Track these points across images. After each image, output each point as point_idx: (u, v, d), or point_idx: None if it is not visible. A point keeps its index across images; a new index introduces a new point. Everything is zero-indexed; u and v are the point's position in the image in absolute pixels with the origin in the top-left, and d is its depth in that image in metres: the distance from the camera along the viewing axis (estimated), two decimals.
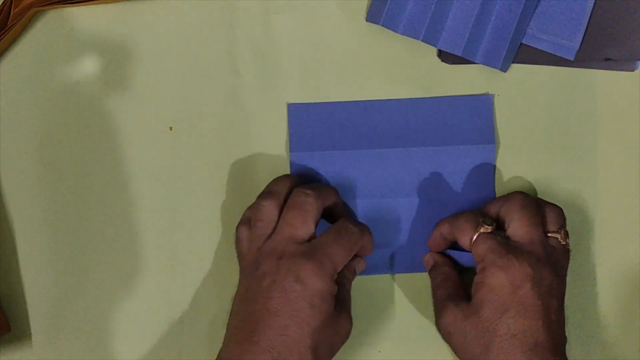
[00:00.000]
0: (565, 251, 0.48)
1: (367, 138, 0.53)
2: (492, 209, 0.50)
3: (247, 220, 0.49)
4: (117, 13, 0.53)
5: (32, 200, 0.53)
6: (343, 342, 0.47)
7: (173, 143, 0.53)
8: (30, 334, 0.53)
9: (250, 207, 0.49)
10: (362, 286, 0.53)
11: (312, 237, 0.46)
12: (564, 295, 0.47)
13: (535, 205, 0.48)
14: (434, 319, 0.53)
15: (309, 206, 0.47)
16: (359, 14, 0.53)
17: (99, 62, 0.53)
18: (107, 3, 0.52)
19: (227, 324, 0.47)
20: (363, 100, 0.53)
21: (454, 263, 0.52)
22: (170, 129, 0.53)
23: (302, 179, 0.52)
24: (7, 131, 0.53)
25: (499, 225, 0.48)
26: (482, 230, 0.47)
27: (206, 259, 0.53)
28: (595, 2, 0.51)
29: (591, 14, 0.51)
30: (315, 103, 0.53)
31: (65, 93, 0.53)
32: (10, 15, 0.50)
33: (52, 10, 0.52)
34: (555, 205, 0.49)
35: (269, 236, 0.47)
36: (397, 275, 0.53)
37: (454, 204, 0.53)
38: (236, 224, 0.50)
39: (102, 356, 0.53)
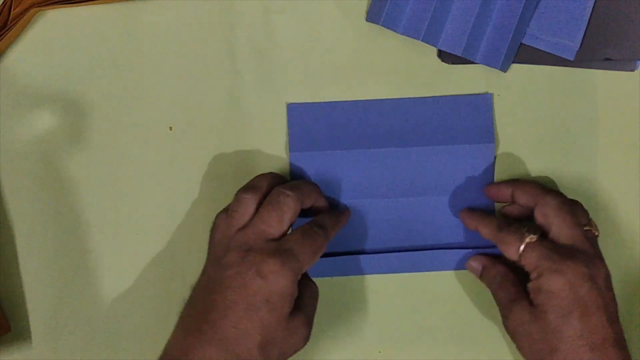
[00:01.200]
0: (596, 241, 0.49)
1: (366, 138, 0.53)
2: (522, 198, 0.50)
3: (227, 210, 0.49)
4: (117, 13, 0.53)
5: (32, 200, 0.53)
6: (297, 349, 0.47)
7: (173, 143, 0.53)
8: (30, 334, 0.53)
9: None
10: (362, 286, 0.53)
11: (282, 236, 0.46)
12: (612, 290, 0.48)
13: (569, 204, 0.49)
14: (434, 319, 0.53)
15: (286, 207, 0.47)
16: (359, 14, 0.53)
17: (98, 62, 0.53)
18: (107, 3, 0.52)
19: (181, 313, 0.47)
20: (363, 100, 0.53)
21: (504, 263, 0.51)
22: (170, 129, 0.53)
23: (285, 179, 0.51)
24: (7, 131, 0.53)
25: (537, 226, 0.48)
26: (527, 240, 0.47)
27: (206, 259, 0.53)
28: (595, 2, 0.51)
29: (591, 14, 0.51)
30: (315, 103, 0.53)
31: (65, 93, 0.53)
32: (10, 15, 0.50)
33: (52, 10, 0.52)
34: (577, 200, 0.50)
35: (242, 228, 0.47)
36: (397, 275, 0.53)
37: (454, 203, 0.53)
38: None
39: (102, 356, 0.53)
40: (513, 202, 0.51)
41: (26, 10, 0.51)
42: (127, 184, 0.53)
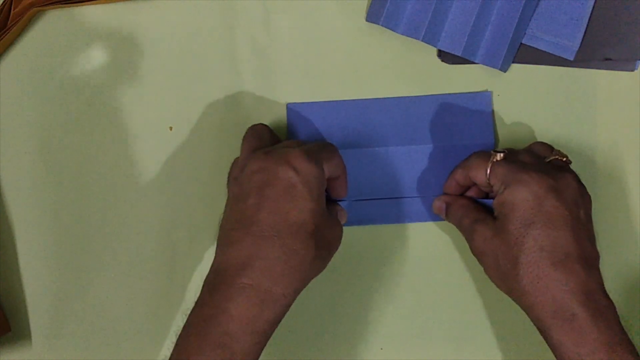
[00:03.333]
0: (568, 166, 0.48)
1: (366, 137, 0.53)
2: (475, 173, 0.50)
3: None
4: (117, 13, 0.53)
5: (32, 200, 0.53)
6: (337, 245, 0.47)
7: (173, 143, 0.53)
8: (30, 334, 0.53)
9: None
10: (363, 285, 0.53)
11: None
12: (590, 210, 0.47)
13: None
14: (435, 315, 0.53)
15: (300, 141, 0.48)
16: (359, 14, 0.53)
17: (98, 62, 0.53)
18: (107, 3, 0.52)
19: (217, 240, 0.46)
20: (362, 99, 0.53)
21: (466, 196, 0.51)
22: (170, 129, 0.53)
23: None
24: (7, 131, 0.53)
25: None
26: (495, 159, 0.47)
27: (206, 259, 0.53)
28: (595, 2, 0.51)
29: (591, 14, 0.51)
30: (314, 102, 0.53)
31: (65, 93, 0.53)
32: (10, 15, 0.50)
33: (52, 10, 0.52)
34: (537, 141, 0.50)
35: (261, 147, 0.47)
36: (399, 274, 0.53)
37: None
38: None
39: (102, 356, 0.53)
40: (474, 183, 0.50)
41: (26, 10, 0.51)
42: (127, 184, 0.53)
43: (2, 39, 0.50)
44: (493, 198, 0.47)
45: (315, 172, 0.44)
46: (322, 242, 0.45)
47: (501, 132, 0.53)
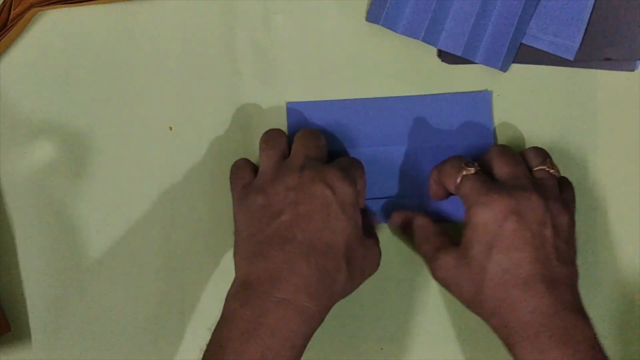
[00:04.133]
0: (554, 179, 0.47)
1: (366, 136, 0.53)
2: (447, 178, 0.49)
3: (244, 158, 0.50)
4: (117, 13, 0.53)
5: (32, 200, 0.53)
6: (373, 271, 0.47)
7: (173, 143, 0.53)
8: (30, 334, 0.53)
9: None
10: (363, 285, 0.53)
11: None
12: (567, 224, 0.46)
13: (514, 151, 0.49)
14: (435, 315, 0.53)
15: (317, 133, 0.48)
16: (359, 14, 0.53)
17: (98, 62, 0.53)
18: (107, 3, 0.52)
19: (238, 252, 0.45)
20: (362, 99, 0.53)
21: (425, 215, 0.51)
22: (170, 129, 0.53)
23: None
24: (7, 131, 0.53)
25: (475, 162, 0.48)
26: (464, 173, 0.47)
27: (206, 259, 0.53)
28: (595, 2, 0.51)
29: (591, 14, 0.51)
30: (314, 102, 0.53)
31: (65, 93, 0.53)
32: (10, 15, 0.50)
33: (52, 10, 0.52)
34: (533, 146, 0.50)
35: (280, 159, 0.47)
36: (399, 274, 0.53)
37: (454, 203, 0.53)
38: None
39: (102, 356, 0.53)
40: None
41: (26, 10, 0.51)
42: (127, 184, 0.53)
43: (2, 39, 0.50)
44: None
45: (351, 192, 0.44)
46: (355, 264, 0.45)
47: (501, 132, 0.53)
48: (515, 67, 0.53)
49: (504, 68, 0.52)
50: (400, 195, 0.53)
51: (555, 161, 0.53)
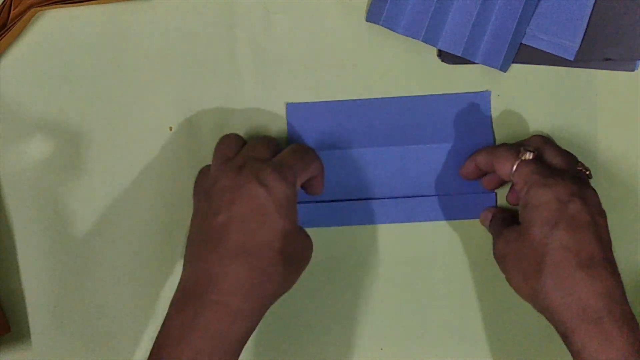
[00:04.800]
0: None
1: (365, 136, 0.53)
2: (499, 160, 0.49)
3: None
4: (117, 13, 0.53)
5: (32, 200, 0.53)
6: (307, 260, 0.46)
7: (173, 143, 0.53)
8: (30, 334, 0.53)
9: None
10: (363, 285, 0.53)
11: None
12: (606, 219, 0.46)
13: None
14: (435, 315, 0.53)
15: (272, 140, 0.48)
16: (359, 14, 0.53)
17: (98, 62, 0.53)
18: (107, 3, 0.52)
19: (185, 255, 0.46)
20: (361, 99, 0.53)
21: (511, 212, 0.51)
22: (170, 129, 0.53)
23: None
24: (7, 131, 0.53)
25: (534, 148, 0.48)
26: (524, 157, 0.47)
27: None
28: (595, 2, 0.51)
29: (591, 14, 0.51)
30: (314, 102, 0.53)
31: (64, 93, 0.53)
32: (10, 15, 0.50)
33: (52, 10, 0.52)
34: (564, 149, 0.50)
35: (230, 159, 0.47)
36: (400, 272, 0.53)
37: (454, 201, 0.53)
38: None
39: (102, 356, 0.53)
40: (494, 172, 0.50)
41: (26, 10, 0.51)
42: (127, 184, 0.53)
43: (2, 39, 0.50)
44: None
45: (286, 190, 0.44)
46: (291, 260, 0.45)
47: (501, 132, 0.53)
48: (515, 67, 0.53)
49: (504, 68, 0.52)
50: (401, 195, 0.53)
51: None
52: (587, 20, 0.51)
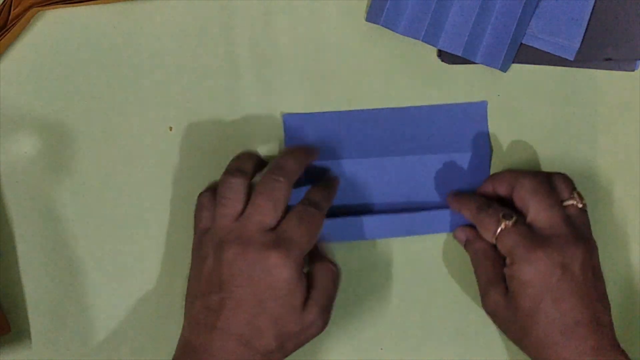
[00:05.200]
0: (584, 212, 0.49)
1: (362, 147, 0.52)
2: (500, 188, 0.50)
3: (211, 190, 0.49)
4: (117, 13, 0.53)
5: (32, 200, 0.53)
6: (313, 336, 0.47)
7: (173, 143, 0.53)
8: (30, 334, 0.53)
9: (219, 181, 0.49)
10: (365, 284, 0.53)
11: (278, 223, 0.46)
12: (598, 262, 0.47)
13: (546, 182, 0.48)
14: (435, 315, 0.53)
15: (279, 193, 0.46)
16: (359, 14, 0.53)
17: (98, 62, 0.53)
18: (107, 3, 0.52)
19: (187, 304, 0.47)
20: (357, 110, 0.53)
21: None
22: (170, 129, 0.53)
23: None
24: (7, 131, 0.53)
25: (516, 209, 0.48)
26: (502, 226, 0.47)
27: None
28: (595, 2, 0.51)
29: (591, 14, 0.51)
30: (310, 113, 0.53)
31: (64, 93, 0.53)
32: (10, 15, 0.50)
33: (52, 10, 0.52)
34: (560, 173, 0.50)
35: (236, 218, 0.46)
36: (400, 272, 0.53)
37: (452, 212, 0.53)
38: None
39: (102, 356, 0.53)
40: (498, 195, 0.50)
41: (26, 10, 0.51)
42: (126, 184, 0.53)
43: (2, 39, 0.50)
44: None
45: (291, 277, 0.45)
46: (289, 339, 0.45)
47: (501, 133, 0.53)
48: (515, 67, 0.53)
49: (504, 68, 0.52)
50: (399, 205, 0.53)
51: (554, 160, 0.53)
52: (587, 20, 0.51)
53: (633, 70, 0.53)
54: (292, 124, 0.53)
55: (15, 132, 0.53)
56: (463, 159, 0.52)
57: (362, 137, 0.53)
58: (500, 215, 0.47)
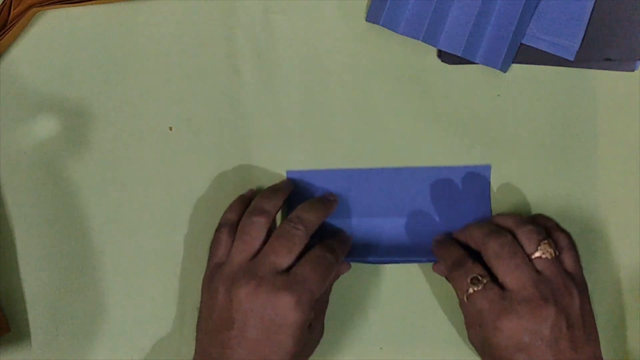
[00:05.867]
0: (556, 263, 0.47)
1: (364, 207, 0.53)
2: (472, 244, 0.50)
3: (229, 225, 0.50)
4: (117, 13, 0.53)
5: (32, 200, 0.53)
6: (314, 349, 0.49)
7: (173, 143, 0.53)
8: (30, 334, 0.53)
9: (229, 211, 0.51)
10: (365, 284, 0.53)
11: (291, 266, 0.47)
12: (581, 308, 0.46)
13: (511, 243, 0.48)
14: (434, 316, 0.53)
15: (297, 239, 0.47)
16: (359, 14, 0.53)
17: (98, 62, 0.53)
18: (107, 3, 0.52)
19: (198, 337, 0.48)
20: (360, 169, 0.53)
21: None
22: (170, 129, 0.53)
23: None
24: (7, 131, 0.53)
25: (483, 274, 0.48)
26: (470, 290, 0.47)
27: (206, 259, 0.53)
28: (595, 2, 0.51)
29: (591, 14, 0.51)
30: (313, 170, 0.53)
31: (65, 93, 0.53)
32: (10, 15, 0.50)
33: (52, 10, 0.52)
34: (525, 222, 0.49)
35: (252, 256, 0.47)
36: (398, 272, 0.53)
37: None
38: None
39: (102, 356, 0.53)
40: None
41: (26, 10, 0.51)
42: (127, 184, 0.53)
43: (2, 39, 0.50)
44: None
45: (301, 319, 0.45)
46: None
47: (501, 133, 0.53)
48: (515, 67, 0.53)
49: (504, 68, 0.52)
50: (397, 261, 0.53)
51: (554, 160, 0.53)
52: (587, 20, 0.51)
53: (633, 70, 0.53)
54: (294, 180, 0.53)
55: (16, 131, 0.53)
56: (465, 220, 0.52)
57: (364, 196, 0.53)
58: (469, 280, 0.47)
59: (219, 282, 0.47)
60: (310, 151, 0.53)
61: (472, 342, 0.49)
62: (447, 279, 0.51)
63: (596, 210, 0.53)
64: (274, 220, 0.49)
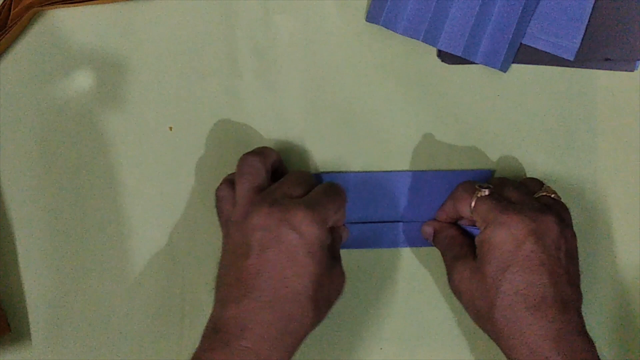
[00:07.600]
0: (560, 203, 0.48)
1: (365, 211, 0.53)
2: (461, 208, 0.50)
3: (227, 181, 0.49)
4: (117, 13, 0.53)
5: (32, 200, 0.53)
6: (339, 296, 0.47)
7: (173, 143, 0.53)
8: (30, 334, 0.53)
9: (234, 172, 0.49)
10: (364, 284, 0.53)
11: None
12: (574, 250, 0.47)
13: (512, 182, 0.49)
14: (435, 315, 0.53)
15: (307, 176, 0.48)
16: (359, 14, 0.53)
17: (98, 62, 0.53)
18: (107, 3, 0.52)
19: (217, 286, 0.46)
20: (361, 172, 0.53)
21: (455, 225, 0.51)
22: (170, 129, 0.53)
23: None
24: (7, 131, 0.53)
25: (489, 184, 0.49)
26: (479, 195, 0.47)
27: (206, 259, 0.53)
28: (595, 2, 0.51)
29: (591, 14, 0.51)
30: (316, 174, 0.53)
31: (65, 93, 0.53)
32: (10, 15, 0.50)
33: (52, 10, 0.52)
34: (529, 177, 0.51)
35: (258, 191, 0.46)
36: (399, 271, 0.53)
37: None
38: None
39: (102, 356, 0.53)
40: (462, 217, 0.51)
41: (26, 10, 0.51)
42: (127, 184, 0.53)
43: (2, 39, 0.50)
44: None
45: (320, 235, 0.44)
46: (322, 302, 0.45)
47: (501, 133, 0.53)
48: (515, 67, 0.53)
49: (504, 68, 0.52)
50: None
51: (554, 160, 0.53)
52: (587, 20, 0.51)
53: (633, 70, 0.53)
54: None
55: (15, 131, 0.53)
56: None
57: (365, 200, 0.53)
58: (477, 185, 0.48)
59: (230, 229, 0.46)
60: (310, 152, 0.53)
61: (454, 281, 0.48)
62: (436, 236, 0.51)
63: (596, 211, 0.53)
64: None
